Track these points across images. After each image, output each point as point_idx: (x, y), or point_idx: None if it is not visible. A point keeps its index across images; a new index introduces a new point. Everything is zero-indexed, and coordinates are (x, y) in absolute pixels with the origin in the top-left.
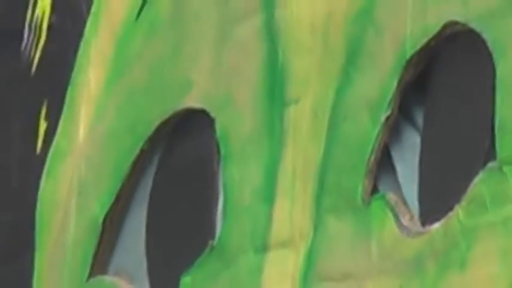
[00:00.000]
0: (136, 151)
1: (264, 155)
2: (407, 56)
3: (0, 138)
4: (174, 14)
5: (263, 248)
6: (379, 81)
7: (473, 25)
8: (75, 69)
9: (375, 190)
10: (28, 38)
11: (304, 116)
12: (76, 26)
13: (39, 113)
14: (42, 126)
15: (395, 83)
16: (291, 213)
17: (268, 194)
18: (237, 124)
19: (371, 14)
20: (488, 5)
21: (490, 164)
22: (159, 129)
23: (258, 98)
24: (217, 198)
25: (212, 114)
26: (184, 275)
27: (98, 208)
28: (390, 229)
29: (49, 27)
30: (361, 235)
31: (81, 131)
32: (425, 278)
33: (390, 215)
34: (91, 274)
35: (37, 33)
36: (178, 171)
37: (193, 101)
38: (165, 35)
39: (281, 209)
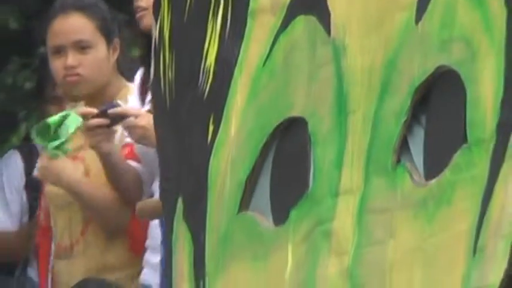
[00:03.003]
0: (263, 141)
1: (336, 142)
2: (416, 86)
3: (188, 136)
4: (285, 63)
5: (336, 194)
6: (400, 101)
7: (454, 67)
8: (229, 95)
9: (398, 161)
10: (202, 79)
11: (358, 121)
12: (229, 71)
13: (209, 120)
14: (211, 127)
15: (409, 102)
16: (351, 174)
17: (338, 164)
18: (320, 125)
19: (395, 62)
20: (461, 56)
21: (464, 145)
22: (276, 129)
23: (332, 110)
24: (310, 167)
25: (306, 119)
26: (291, 210)
27: (242, 174)
28: (408, 183)
29: (214, 72)
30: (391, 187)
31: (232, 130)
32: (428, 210)
33: (407, 175)
34: (239, 211)
35: (206, 76)
36: (287, 152)
37: (295, 113)
38: (279, 75)
39: (346, 172)
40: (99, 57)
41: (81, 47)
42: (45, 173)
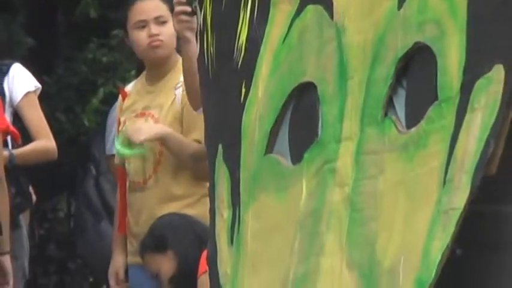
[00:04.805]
0: (283, 101)
1: (339, 101)
2: (398, 57)
3: (226, 98)
4: (299, 40)
5: (338, 140)
6: (386, 69)
7: (427, 43)
8: (257, 66)
9: (386, 115)
10: (236, 54)
11: (355, 84)
12: (256, 48)
13: (242, 85)
14: (243, 90)
15: (394, 69)
16: (350, 125)
17: (340, 118)
18: (327, 88)
19: (383, 40)
20: (433, 33)
21: (436, 102)
22: (292, 92)
23: (335, 77)
24: (319, 120)
25: (315, 84)
26: (305, 152)
27: (267, 125)
28: (393, 131)
29: (245, 49)
30: (380, 134)
31: (260, 92)
32: (408, 152)
33: (393, 125)
34: (265, 153)
35: (239, 52)
36: (301, 109)
37: (307, 78)
38: (295, 50)
39: (346, 123)
40: (172, 29)
41: (160, 21)
42: (137, 133)
